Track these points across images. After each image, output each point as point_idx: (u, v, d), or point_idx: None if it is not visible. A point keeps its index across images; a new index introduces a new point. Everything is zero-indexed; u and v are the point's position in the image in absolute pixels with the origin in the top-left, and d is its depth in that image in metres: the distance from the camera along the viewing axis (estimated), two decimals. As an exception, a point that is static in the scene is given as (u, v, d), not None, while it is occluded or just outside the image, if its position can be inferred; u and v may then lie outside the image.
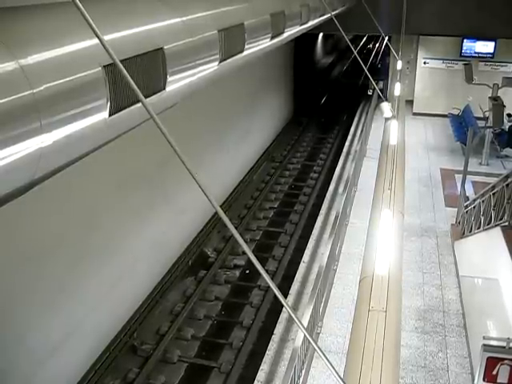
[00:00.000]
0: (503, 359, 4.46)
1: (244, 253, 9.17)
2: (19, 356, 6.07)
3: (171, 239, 10.08)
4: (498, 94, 13.61)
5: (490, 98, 13.34)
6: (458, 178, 11.73)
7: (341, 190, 11.76)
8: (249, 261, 9.80)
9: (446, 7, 15.98)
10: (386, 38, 10.76)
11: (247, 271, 10.24)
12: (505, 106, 13.27)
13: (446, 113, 16.98)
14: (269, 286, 2.15)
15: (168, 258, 10.00)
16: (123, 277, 8.30)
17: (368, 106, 18.58)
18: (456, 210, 10.31)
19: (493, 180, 8.67)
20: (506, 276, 6.46)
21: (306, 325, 5.93)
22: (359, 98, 21.40)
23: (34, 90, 1.89)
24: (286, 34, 6.54)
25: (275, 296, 2.16)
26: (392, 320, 4.11)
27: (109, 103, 2.40)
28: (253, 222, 12.22)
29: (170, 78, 3.10)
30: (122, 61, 2.03)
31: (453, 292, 8.12)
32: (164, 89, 3.07)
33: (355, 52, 7.70)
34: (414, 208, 10.78)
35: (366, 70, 7.52)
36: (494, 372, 4.48)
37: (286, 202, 13.61)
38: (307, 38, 18.21)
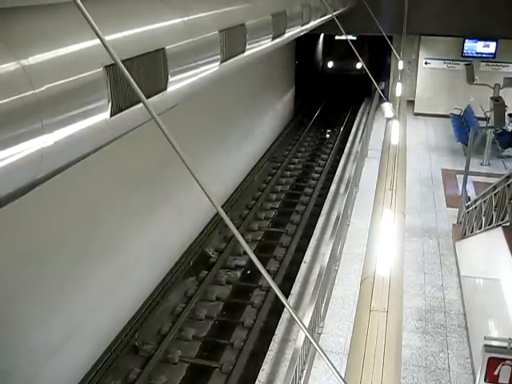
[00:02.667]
0: (505, 359, 4.45)
1: (245, 253, 9.17)
2: (20, 357, 6.07)
3: (172, 240, 10.08)
4: (500, 95, 13.60)
5: (491, 98, 13.33)
6: (460, 178, 11.72)
7: (342, 190, 11.75)
8: (250, 261, 9.79)
9: (448, 7, 15.99)
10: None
11: (249, 271, 10.24)
12: (506, 107, 13.26)
13: (448, 113, 16.98)
14: (270, 287, 2.15)
15: (169, 258, 9.99)
16: (124, 277, 8.29)
17: (369, 107, 18.58)
18: (457, 210, 10.31)
19: (494, 180, 8.66)
20: (507, 276, 6.45)
21: (307, 325, 5.92)
22: (362, 97, 21.37)
23: (36, 91, 1.89)
24: (287, 35, 6.55)
25: (276, 296, 2.16)
26: (393, 320, 4.11)
27: (110, 103, 2.41)
28: (254, 222, 12.22)
29: (171, 79, 3.11)
30: (123, 61, 2.03)
31: (454, 292, 8.11)
32: (165, 89, 3.07)
33: (357, 54, 7.69)
34: (415, 208, 10.78)
35: (368, 72, 7.51)
36: (496, 372, 4.48)
37: (287, 202, 13.61)
38: (309, 39, 18.18)
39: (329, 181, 13.58)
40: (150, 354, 7.93)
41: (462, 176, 10.58)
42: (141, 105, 2.43)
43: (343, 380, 2.10)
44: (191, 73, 3.48)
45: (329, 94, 24.68)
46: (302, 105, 22.34)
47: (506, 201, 7.11)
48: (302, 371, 6.02)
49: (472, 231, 8.67)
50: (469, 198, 9.91)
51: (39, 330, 6.37)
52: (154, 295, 9.11)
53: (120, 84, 2.44)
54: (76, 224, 6.97)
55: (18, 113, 1.82)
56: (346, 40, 7.50)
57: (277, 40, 6.03)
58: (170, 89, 3.13)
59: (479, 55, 17.13)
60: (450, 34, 16.70)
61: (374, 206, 6.24)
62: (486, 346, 4.51)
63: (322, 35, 27.51)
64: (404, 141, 8.50)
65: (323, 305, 7.38)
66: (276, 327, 7.42)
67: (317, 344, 2.12)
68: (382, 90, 11.34)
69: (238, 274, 10.23)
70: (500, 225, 7.14)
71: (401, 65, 12.46)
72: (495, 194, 7.73)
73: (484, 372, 4.50)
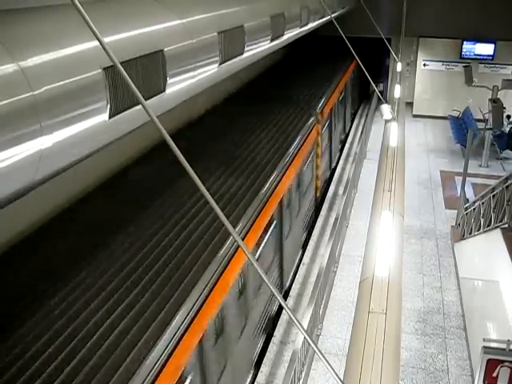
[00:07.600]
0: (503, 361, 4.46)
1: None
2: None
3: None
4: (498, 96, 13.62)
5: (489, 100, 13.35)
6: (458, 179, 11.74)
7: (341, 191, 11.75)
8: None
9: (446, 9, 16.04)
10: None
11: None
12: (504, 108, 13.28)
13: (446, 115, 17.01)
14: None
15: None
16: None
17: (368, 108, 18.59)
18: (456, 211, 10.32)
19: (493, 182, 8.68)
20: (506, 278, 6.45)
21: (305, 327, 5.92)
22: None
23: (34, 92, 1.89)
24: (285, 36, 6.55)
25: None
26: (392, 322, 4.11)
27: (109, 105, 2.40)
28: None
29: (169, 80, 3.11)
30: (122, 63, 2.03)
31: (453, 294, 8.12)
32: (164, 91, 3.07)
33: (356, 56, 7.69)
34: (413, 210, 10.78)
35: (366, 73, 7.52)
36: (494, 374, 4.48)
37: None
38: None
39: (327, 182, 13.52)
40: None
41: (461, 178, 10.58)
42: (139, 106, 2.43)
43: (342, 382, 2.10)
44: (190, 74, 3.47)
45: None
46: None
47: (505, 202, 7.12)
48: (301, 373, 6.02)
49: (471, 233, 8.67)
50: (467, 199, 9.91)
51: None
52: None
53: (119, 86, 2.44)
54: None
55: (16, 114, 1.81)
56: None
57: (276, 42, 6.03)
58: (169, 90, 3.12)
59: (478, 57, 17.16)
60: (448, 36, 16.74)
61: (372, 207, 6.25)
62: (484, 347, 4.51)
63: None
64: (403, 143, 8.52)
65: (322, 306, 7.37)
66: (275, 329, 7.41)
67: (315, 346, 2.12)
68: (380, 92, 11.36)
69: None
70: (498, 226, 7.14)
71: (399, 67, 12.48)
72: (494, 196, 7.74)
73: (483, 374, 4.50)
